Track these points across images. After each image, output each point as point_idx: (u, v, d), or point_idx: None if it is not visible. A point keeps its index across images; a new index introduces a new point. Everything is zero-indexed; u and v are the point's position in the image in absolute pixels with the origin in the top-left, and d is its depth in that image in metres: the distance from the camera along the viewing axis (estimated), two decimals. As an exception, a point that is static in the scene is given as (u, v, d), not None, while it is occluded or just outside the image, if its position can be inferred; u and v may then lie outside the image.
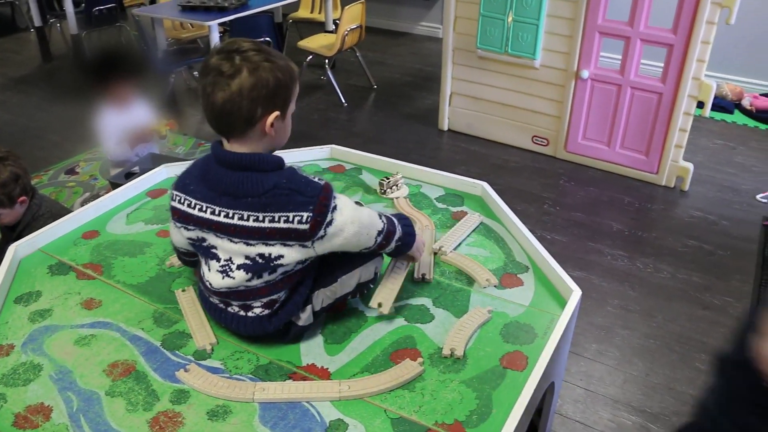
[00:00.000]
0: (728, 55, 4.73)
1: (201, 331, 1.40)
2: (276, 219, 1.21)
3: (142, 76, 3.47)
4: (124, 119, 2.91)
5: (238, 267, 1.27)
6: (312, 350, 1.36)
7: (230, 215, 1.23)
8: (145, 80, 3.52)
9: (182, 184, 1.32)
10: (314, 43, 4.73)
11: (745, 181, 3.64)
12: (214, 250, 1.29)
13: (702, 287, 2.71)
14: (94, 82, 3.12)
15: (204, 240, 1.30)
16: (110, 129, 2.95)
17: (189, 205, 1.28)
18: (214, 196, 1.25)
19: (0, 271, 1.60)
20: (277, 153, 2.02)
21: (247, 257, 1.25)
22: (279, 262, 1.25)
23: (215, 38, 4.22)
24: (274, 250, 1.24)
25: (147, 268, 1.63)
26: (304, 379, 1.28)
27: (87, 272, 1.63)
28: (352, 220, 1.26)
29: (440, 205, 1.86)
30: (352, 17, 4.45)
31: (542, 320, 1.41)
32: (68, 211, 2.25)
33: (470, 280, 1.55)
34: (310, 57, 4.78)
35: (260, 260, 1.25)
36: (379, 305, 1.39)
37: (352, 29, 4.48)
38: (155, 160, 3.01)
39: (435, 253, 1.63)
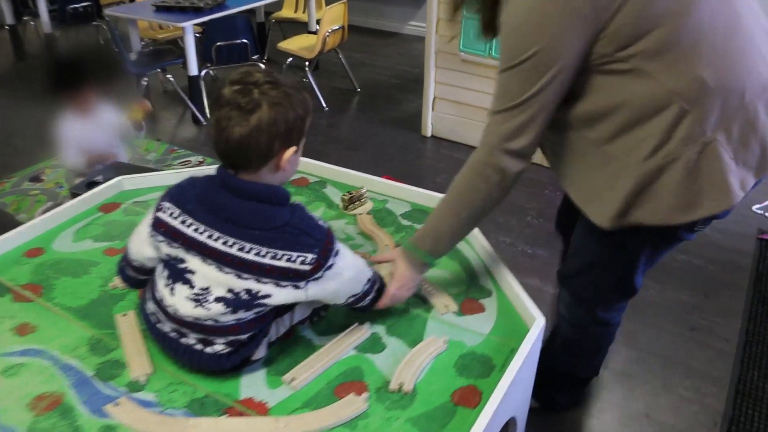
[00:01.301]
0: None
1: (137, 360, 1.35)
2: (278, 257, 1.20)
3: (113, 78, 3.42)
4: (89, 127, 2.85)
5: (218, 299, 1.23)
6: (253, 382, 1.31)
7: (229, 243, 1.21)
8: (117, 83, 3.47)
9: (177, 198, 1.28)
10: (295, 44, 4.69)
11: (742, 191, 3.59)
12: (189, 275, 1.25)
13: (690, 306, 2.66)
14: (63, 84, 3.06)
15: (182, 261, 1.26)
16: (72, 137, 2.89)
17: (183, 223, 1.25)
18: (215, 221, 1.22)
19: (-68, 291, 1.55)
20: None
21: (231, 290, 1.22)
22: (264, 301, 1.23)
23: (190, 40, 4.17)
24: (264, 288, 1.22)
25: (90, 290, 1.58)
26: (241, 414, 1.23)
27: (25, 294, 1.58)
28: (351, 266, 1.30)
29: (405, 222, 1.82)
30: (334, 18, 4.41)
31: (502, 351, 1.37)
32: (18, 225, 2.20)
33: (429, 306, 1.50)
34: (291, 59, 4.74)
35: (245, 296, 1.22)
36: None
37: (333, 30, 4.44)
38: (121, 170, 2.95)
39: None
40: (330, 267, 1.24)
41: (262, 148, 1.18)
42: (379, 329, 1.43)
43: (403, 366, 1.30)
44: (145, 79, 4.58)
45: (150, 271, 1.37)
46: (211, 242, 1.22)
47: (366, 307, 1.39)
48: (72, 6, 5.59)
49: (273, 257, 1.20)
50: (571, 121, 1.34)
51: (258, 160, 1.20)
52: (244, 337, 1.28)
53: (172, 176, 2.05)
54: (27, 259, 1.72)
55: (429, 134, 4.17)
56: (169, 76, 4.64)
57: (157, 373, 1.33)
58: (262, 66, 4.75)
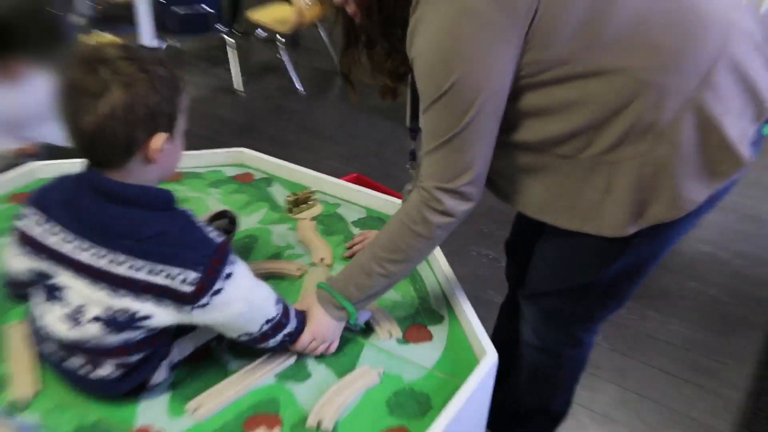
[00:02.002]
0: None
1: (22, 376, 1.35)
2: (155, 272, 1.17)
3: (53, 45, 3.42)
4: (15, 101, 2.85)
5: (94, 319, 1.21)
6: (152, 408, 1.32)
7: (100, 254, 1.18)
8: (57, 51, 3.47)
9: (39, 204, 1.25)
10: (268, 15, 4.69)
11: (774, 210, 3.61)
12: (58, 292, 1.24)
13: (696, 343, 2.68)
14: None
15: (49, 277, 1.24)
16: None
17: (46, 231, 1.23)
18: (81, 229, 1.20)
19: None
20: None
21: (107, 309, 1.20)
22: (144, 323, 1.21)
23: (143, 5, 4.17)
24: (143, 308, 1.20)
25: (-22, 295, 1.59)
26: (133, 446, 1.24)
27: None
28: (245, 298, 1.24)
29: (356, 231, 1.84)
30: (314, -13, 4.42)
31: (444, 389, 1.38)
32: None
33: (368, 330, 1.51)
34: (264, 33, 4.76)
35: (121, 317, 1.20)
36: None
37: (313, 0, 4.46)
38: (54, 153, 2.95)
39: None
40: (218, 292, 1.20)
41: (120, 139, 1.12)
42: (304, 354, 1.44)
43: (325, 400, 1.31)
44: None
45: (29, 285, 1.33)
46: (78, 254, 1.19)
47: (273, 349, 1.37)
48: (17, -43, 5.59)
49: (149, 272, 1.17)
50: (534, 145, 1.35)
51: (119, 154, 1.15)
52: (133, 359, 1.27)
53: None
54: None
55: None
56: (120, 44, 4.65)
57: (47, 391, 1.34)
58: (228, 39, 4.76)
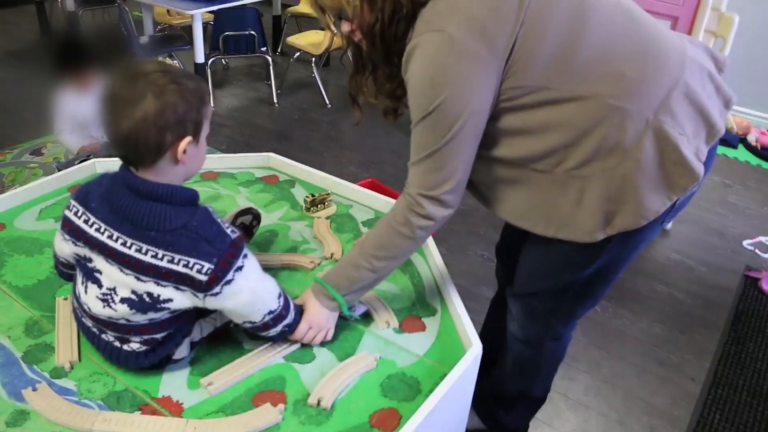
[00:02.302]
0: (737, 85, 4.60)
1: (65, 346, 1.33)
2: (175, 261, 1.15)
3: (121, 60, 3.41)
4: (88, 106, 2.84)
5: (122, 300, 1.19)
6: (173, 380, 1.28)
7: (128, 244, 1.16)
8: (125, 65, 3.46)
9: (83, 197, 1.23)
10: (303, 39, 4.66)
11: (735, 224, 3.52)
12: (97, 275, 1.21)
13: (662, 339, 2.60)
14: (72, 62, 3.06)
15: (90, 260, 1.22)
16: (69, 115, 2.88)
17: (86, 222, 1.20)
18: (115, 220, 1.17)
19: None
20: (214, 156, 1.96)
21: (134, 292, 1.18)
22: (167, 305, 1.19)
23: (198, 27, 4.16)
24: (165, 292, 1.17)
25: (39, 271, 1.56)
26: (154, 412, 1.20)
27: (-25, 269, 1.56)
28: (252, 290, 1.21)
29: (364, 230, 1.78)
30: (344, 17, 4.37)
31: (432, 375, 1.32)
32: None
33: (368, 319, 1.46)
34: (299, 53, 4.72)
35: (147, 299, 1.18)
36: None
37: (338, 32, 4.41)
38: (110, 150, 2.93)
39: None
40: (229, 282, 1.17)
41: (151, 142, 1.10)
42: (312, 338, 1.39)
43: (325, 380, 1.26)
44: (176, 61, 4.58)
45: (73, 266, 1.32)
46: (110, 242, 1.18)
47: (274, 338, 1.33)
48: (96, -15, 5.61)
49: (170, 261, 1.15)
50: (514, 161, 1.34)
51: (151, 154, 1.13)
52: (158, 336, 1.24)
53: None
54: (-13, 233, 1.70)
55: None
56: (176, 61, 4.63)
57: (83, 362, 1.31)
58: (269, 58, 4.73)
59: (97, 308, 1.23)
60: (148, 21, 4.61)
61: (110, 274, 1.20)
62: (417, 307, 1.51)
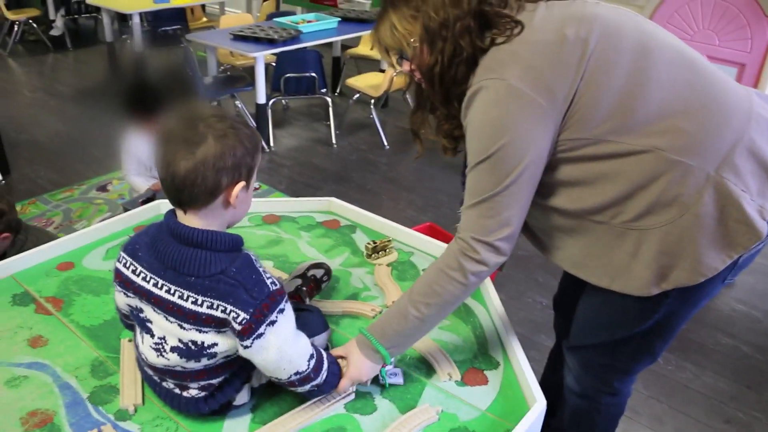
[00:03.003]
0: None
1: (129, 389, 1.34)
2: (214, 306, 1.14)
3: (186, 101, 3.52)
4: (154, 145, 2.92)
5: (172, 349, 1.20)
6: (235, 427, 1.27)
7: (171, 291, 1.16)
8: (189, 105, 3.57)
9: (131, 248, 1.24)
10: (363, 81, 4.73)
11: (807, 274, 3.37)
12: (149, 324, 1.23)
13: (728, 396, 2.49)
14: (138, 102, 3.17)
15: (141, 311, 1.24)
16: (136, 154, 2.96)
17: (134, 272, 1.21)
18: (160, 269, 1.18)
19: (-39, 294, 1.59)
20: (276, 200, 1.98)
21: (180, 341, 1.19)
22: (213, 350, 1.19)
23: (261, 69, 4.26)
24: (207, 338, 1.17)
25: (105, 311, 1.59)
26: (216, 461, 1.19)
27: (46, 306, 1.60)
28: (279, 348, 1.17)
29: (426, 278, 1.76)
30: (403, 60, 4.42)
31: (496, 430, 1.29)
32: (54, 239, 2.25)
33: (430, 370, 1.43)
34: (358, 95, 4.78)
35: (193, 347, 1.18)
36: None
37: (401, 71, 4.45)
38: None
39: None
40: (260, 336, 1.14)
41: (209, 183, 1.11)
42: (374, 389, 1.37)
43: (387, 433, 1.24)
44: (216, 102, 4.70)
45: (129, 316, 1.34)
46: (156, 290, 1.18)
47: (304, 394, 1.29)
48: (163, 28, 5.83)
49: (209, 306, 1.14)
50: (571, 211, 1.33)
51: (205, 196, 1.12)
52: (215, 381, 1.24)
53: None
54: (57, 271, 1.75)
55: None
56: (238, 102, 4.75)
57: (147, 405, 1.31)
58: (329, 99, 4.80)
59: (152, 358, 1.24)
60: (211, 61, 4.75)
61: (159, 323, 1.21)
62: (479, 359, 1.48)
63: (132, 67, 6.45)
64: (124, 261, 1.24)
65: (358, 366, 1.33)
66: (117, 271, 1.25)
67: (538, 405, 1.30)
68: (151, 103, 2.92)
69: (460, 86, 1.28)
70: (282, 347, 1.17)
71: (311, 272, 1.63)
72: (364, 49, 5.68)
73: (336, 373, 1.31)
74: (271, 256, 1.81)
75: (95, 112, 5.19)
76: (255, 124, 4.59)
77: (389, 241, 1.86)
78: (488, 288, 1.67)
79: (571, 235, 1.36)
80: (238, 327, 1.14)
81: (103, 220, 3.43)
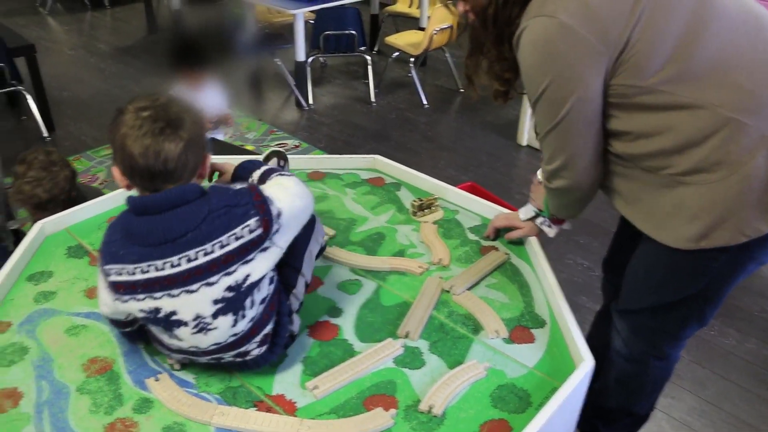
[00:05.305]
0: None
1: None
2: (225, 243, 1.16)
3: (227, 57, 3.54)
4: (198, 100, 2.95)
5: (214, 315, 1.19)
6: (286, 379, 1.31)
7: (176, 262, 1.15)
8: (229, 62, 3.58)
9: (109, 255, 1.20)
10: (402, 39, 4.67)
11: None
12: (174, 317, 1.19)
13: (772, 361, 2.47)
14: (179, 58, 3.19)
15: (158, 311, 1.18)
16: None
17: (128, 273, 1.17)
18: (149, 252, 1.15)
19: (20, 247, 1.64)
20: (320, 157, 2.01)
21: (215, 301, 1.18)
22: (248, 282, 1.19)
23: (300, 26, 4.24)
24: (238, 274, 1.18)
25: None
26: (269, 410, 1.23)
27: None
28: (293, 196, 1.26)
29: (471, 237, 1.77)
30: (442, 17, 4.35)
31: (542, 388, 1.30)
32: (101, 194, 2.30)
33: (477, 327, 1.45)
34: (397, 53, 4.74)
35: (230, 293, 1.18)
36: (407, 334, 1.40)
37: (442, 29, 4.39)
38: (217, 147, 3.04)
39: (446, 291, 1.54)
40: (279, 215, 1.21)
41: (197, 160, 1.19)
42: (422, 345, 1.40)
43: (437, 387, 1.26)
44: (278, 60, 4.72)
45: (132, 323, 1.31)
46: (161, 272, 1.15)
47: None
48: (200, -17, 5.80)
49: (221, 246, 1.15)
50: (623, 156, 1.34)
51: (191, 173, 1.19)
52: (268, 329, 1.27)
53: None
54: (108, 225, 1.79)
55: (524, 143, 4.05)
56: (277, 60, 4.74)
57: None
58: (368, 58, 4.76)
59: (203, 342, 1.22)
60: (250, 19, 4.74)
61: (183, 305, 1.18)
62: (526, 317, 1.49)
63: (170, 24, 6.51)
64: (114, 271, 1.19)
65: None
66: (115, 285, 1.19)
67: (586, 364, 1.31)
68: (190, 60, 2.95)
69: (512, 27, 1.30)
70: (293, 194, 1.27)
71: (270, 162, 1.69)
72: (402, 6, 5.61)
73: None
74: (317, 212, 1.82)
75: (134, 70, 5.24)
76: (294, 82, 4.59)
77: (435, 199, 1.87)
78: (535, 248, 1.67)
79: (623, 177, 1.38)
80: (259, 231, 1.18)
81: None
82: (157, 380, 1.29)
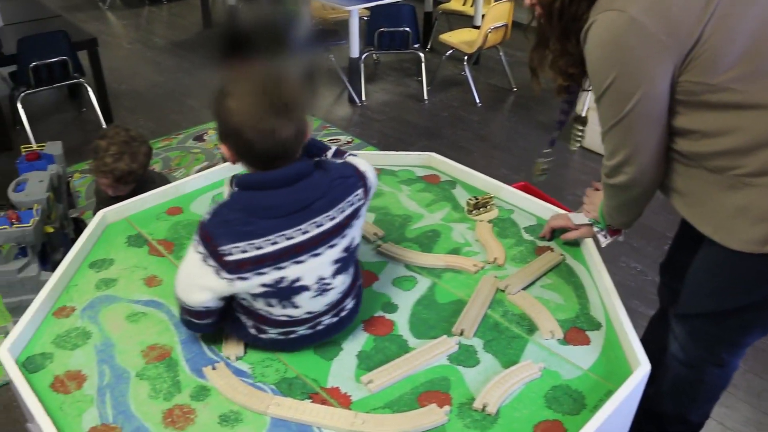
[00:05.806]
0: None
1: (231, 341, 1.40)
2: (344, 209, 1.28)
3: (281, 52, 3.58)
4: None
5: (333, 275, 1.30)
6: (342, 372, 1.33)
7: (305, 229, 1.23)
8: (283, 57, 3.63)
9: (230, 235, 1.21)
10: (456, 37, 4.66)
11: None
12: (298, 283, 1.26)
13: (838, 373, 2.39)
14: (232, 53, 3.24)
15: (282, 280, 1.24)
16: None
17: (256, 247, 1.21)
18: (278, 224, 1.21)
19: (83, 235, 1.70)
20: (376, 154, 2.02)
21: (335, 261, 1.29)
22: (354, 244, 1.33)
23: (355, 23, 4.27)
24: (348, 237, 1.30)
25: (215, 254, 1.66)
26: (324, 402, 1.25)
27: (159, 248, 1.70)
28: (374, 173, 1.40)
29: (527, 237, 1.76)
30: (498, 15, 4.33)
31: (597, 391, 1.29)
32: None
33: (532, 328, 1.45)
34: (451, 51, 4.72)
35: (345, 254, 1.31)
36: (462, 332, 1.41)
37: (496, 27, 4.37)
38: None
39: (501, 291, 1.54)
40: (370, 188, 1.37)
41: (306, 136, 1.28)
42: (477, 343, 1.40)
43: (491, 386, 1.27)
44: (332, 56, 4.77)
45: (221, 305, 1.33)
46: (293, 241, 1.23)
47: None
48: (257, -21, 5.89)
49: (341, 211, 1.27)
50: (687, 155, 1.32)
51: (301, 148, 1.27)
52: (359, 282, 1.43)
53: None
54: (167, 216, 1.84)
55: (577, 145, 4.00)
56: (331, 56, 4.77)
57: (252, 352, 1.38)
58: (421, 55, 4.76)
59: (318, 304, 1.32)
60: (304, 15, 4.78)
61: (307, 270, 1.26)
62: (581, 319, 1.48)
63: (226, 19, 6.62)
64: (240, 249, 1.21)
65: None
66: (239, 263, 1.21)
67: (643, 368, 1.30)
68: (245, 56, 2.99)
69: (578, 22, 1.29)
70: (365, 162, 1.42)
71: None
72: (456, 4, 5.59)
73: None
74: (372, 209, 1.85)
75: (190, 64, 5.35)
76: (347, 78, 4.62)
77: (491, 198, 1.86)
78: (590, 249, 1.66)
79: (686, 177, 1.36)
80: (363, 199, 1.34)
81: (201, 168, 3.57)
82: (214, 369, 1.32)
